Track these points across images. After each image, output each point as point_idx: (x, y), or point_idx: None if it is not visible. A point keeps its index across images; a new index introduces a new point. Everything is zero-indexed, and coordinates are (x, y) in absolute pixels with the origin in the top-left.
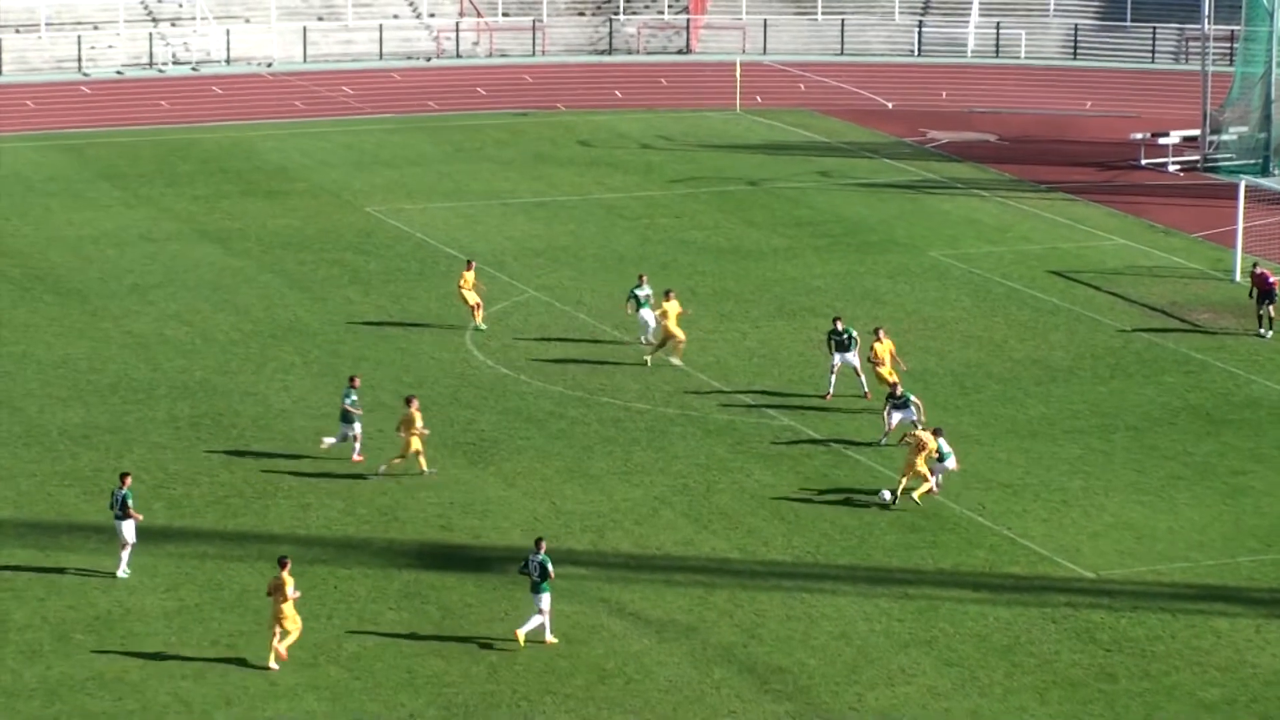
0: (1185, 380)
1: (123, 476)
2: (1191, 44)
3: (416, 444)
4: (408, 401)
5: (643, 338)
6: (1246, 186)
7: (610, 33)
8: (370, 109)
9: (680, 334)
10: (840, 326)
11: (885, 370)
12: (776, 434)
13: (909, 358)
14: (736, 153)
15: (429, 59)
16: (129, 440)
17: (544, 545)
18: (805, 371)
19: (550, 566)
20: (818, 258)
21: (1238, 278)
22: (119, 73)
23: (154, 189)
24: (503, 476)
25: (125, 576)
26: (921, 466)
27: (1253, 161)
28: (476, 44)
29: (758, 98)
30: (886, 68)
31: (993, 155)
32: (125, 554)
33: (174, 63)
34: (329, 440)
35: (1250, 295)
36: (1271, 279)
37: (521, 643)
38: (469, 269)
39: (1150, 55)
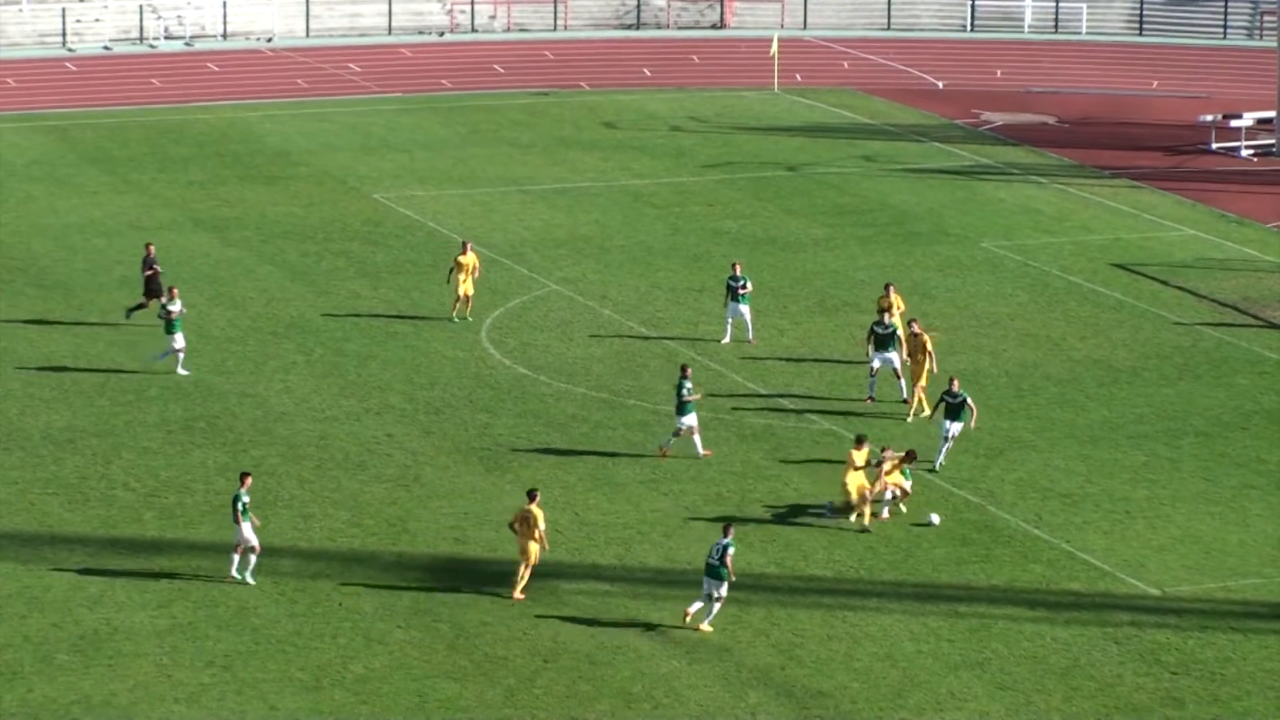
0: (1258, 382)
1: (242, 476)
2: (1267, 19)
3: (534, 551)
4: (530, 496)
5: (725, 338)
6: None
7: (638, 6)
8: (378, 88)
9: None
10: (887, 320)
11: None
12: (817, 439)
13: (960, 357)
14: (774, 135)
15: (442, 34)
16: (117, 445)
17: (731, 530)
18: (848, 372)
19: (731, 553)
20: (861, 249)
21: None
22: (107, 48)
23: (145, 174)
24: (521, 485)
25: (244, 580)
26: (897, 479)
27: None
28: (493, 18)
29: (797, 76)
30: (936, 43)
31: (1051, 139)
32: (238, 556)
33: (166, 38)
34: (670, 441)
35: None
36: None
37: (689, 621)
38: (464, 253)
39: (1222, 31)
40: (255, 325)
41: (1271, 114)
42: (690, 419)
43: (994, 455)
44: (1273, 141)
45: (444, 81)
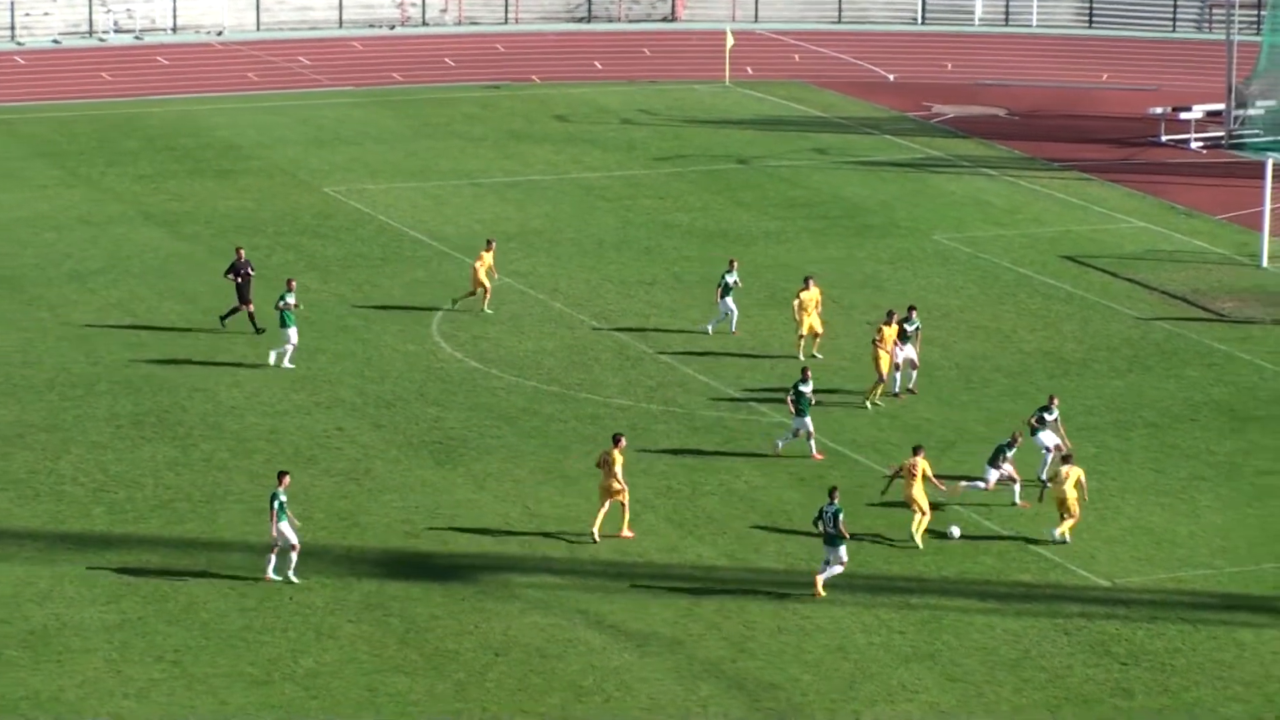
0: (1208, 374)
1: (280, 475)
2: (1215, 11)
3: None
4: (615, 440)
5: (711, 327)
6: (1275, 164)
7: None
8: (329, 81)
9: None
10: (915, 316)
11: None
12: (768, 431)
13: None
14: (725, 129)
15: (393, 27)
16: (67, 439)
17: (837, 494)
18: (800, 364)
19: (843, 517)
20: (813, 241)
21: (1265, 263)
22: (55, 41)
23: (94, 168)
24: (472, 478)
25: (288, 580)
26: (919, 496)
27: None
28: (444, 11)
29: (749, 69)
30: (888, 36)
31: (1002, 131)
32: (275, 558)
33: (116, 31)
34: (787, 440)
35: None
36: None
37: (821, 592)
38: (489, 249)
39: (1171, 23)
40: (205, 319)
41: (1220, 106)
42: (807, 421)
43: (945, 447)
44: (1222, 134)
45: (395, 75)
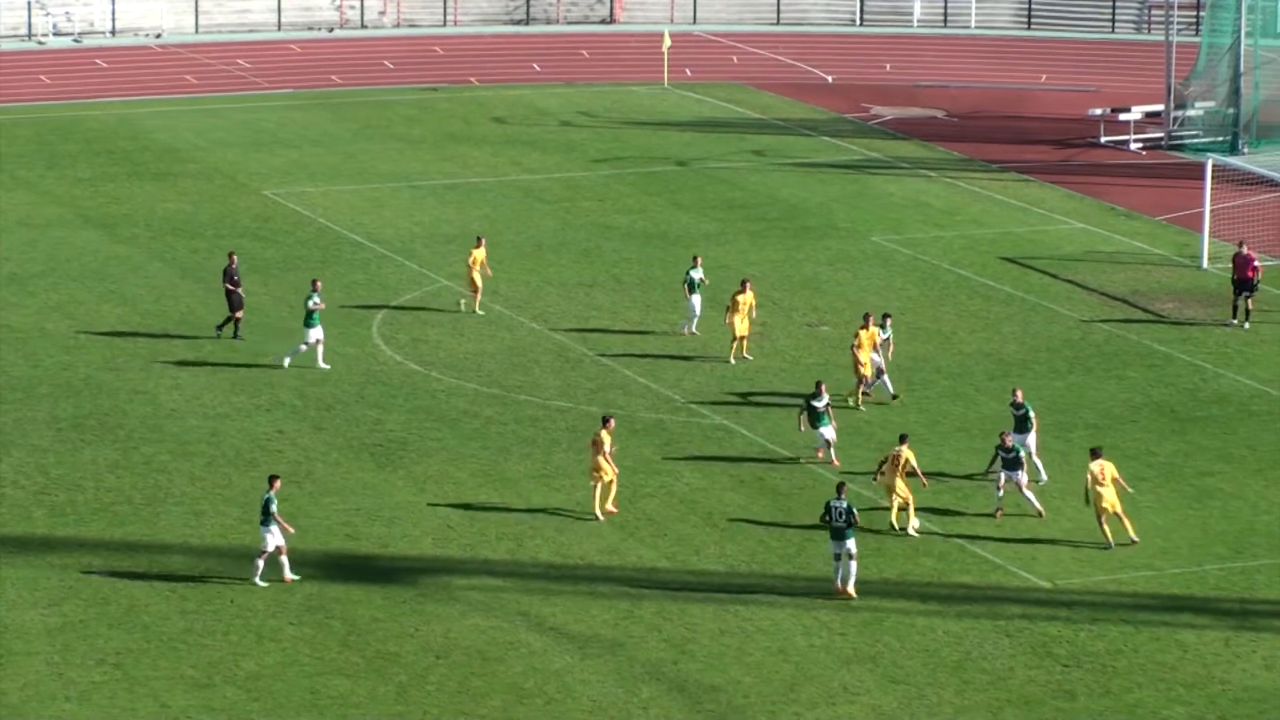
0: (1148, 375)
1: (271, 480)
2: (1154, 12)
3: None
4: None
5: (686, 328)
6: (1214, 165)
7: (527, 1)
8: (268, 84)
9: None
10: (888, 325)
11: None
12: (708, 434)
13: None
14: (664, 130)
15: (331, 29)
16: (6, 443)
17: (845, 489)
18: (737, 367)
19: (856, 512)
20: (752, 243)
21: (1205, 264)
22: None
23: (33, 171)
24: (412, 481)
25: (282, 579)
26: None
27: (1220, 139)
28: (383, 13)
29: (687, 71)
30: (826, 38)
31: (941, 133)
32: (262, 563)
33: (54, 34)
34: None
35: (1233, 281)
36: (1255, 265)
37: (853, 594)
38: (479, 246)
39: (1110, 25)
40: (145, 322)
41: (1159, 107)
42: (824, 432)
43: (885, 449)
44: (1161, 135)
45: (333, 77)
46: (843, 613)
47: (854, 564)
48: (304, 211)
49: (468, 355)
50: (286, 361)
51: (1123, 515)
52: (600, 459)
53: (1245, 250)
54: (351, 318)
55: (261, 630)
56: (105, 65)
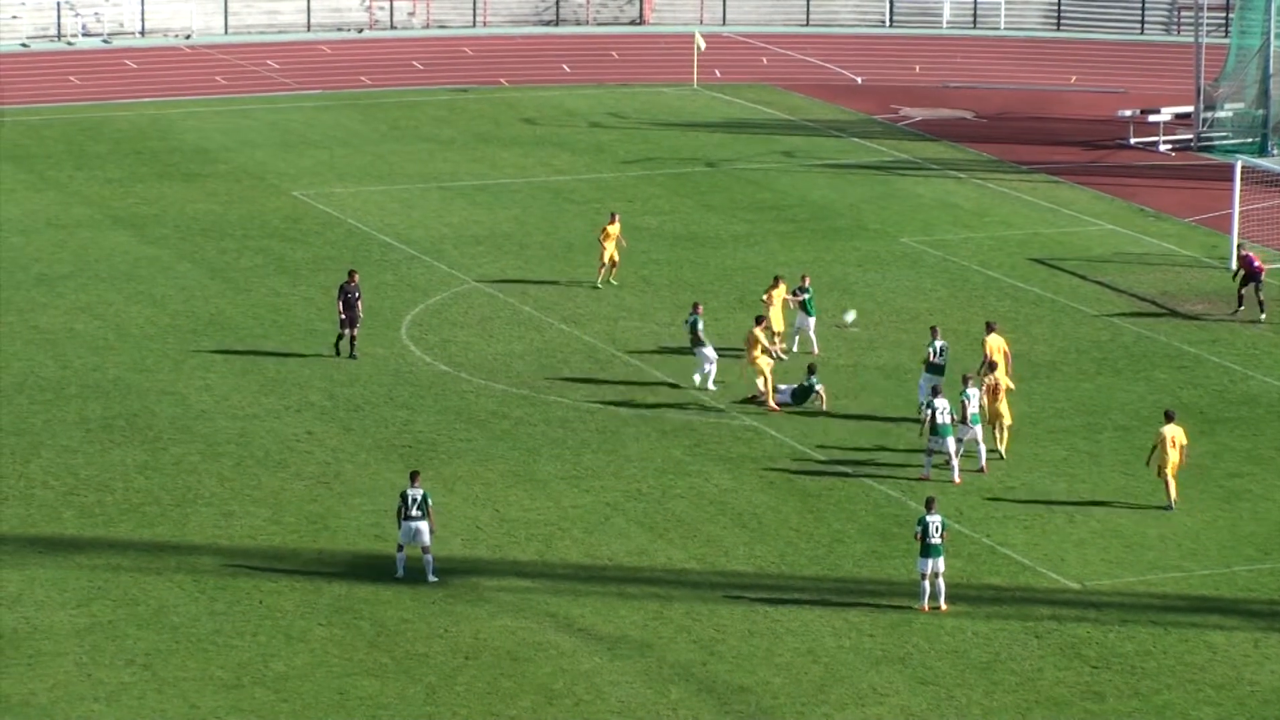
0: (1177, 376)
1: (413, 475)
2: (1184, 14)
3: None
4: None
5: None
6: (1243, 167)
7: (557, 2)
8: (297, 85)
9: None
10: (939, 345)
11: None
12: (738, 435)
13: (880, 352)
14: (694, 131)
15: (361, 30)
16: (36, 443)
17: (936, 504)
18: (778, 366)
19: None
20: (781, 244)
21: (1234, 265)
22: (24, 45)
23: (62, 171)
24: (442, 481)
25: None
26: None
27: (1249, 140)
28: (412, 14)
29: (716, 72)
30: (855, 39)
31: (970, 134)
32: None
33: (84, 35)
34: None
35: (1234, 278)
36: (1257, 261)
37: (945, 607)
38: (613, 222)
39: (1139, 26)
40: (174, 323)
41: (1189, 109)
42: (949, 442)
43: (914, 450)
44: (1190, 136)
45: (363, 78)
46: (872, 614)
47: (942, 581)
48: (333, 212)
49: (497, 356)
50: (710, 384)
51: (1172, 480)
52: (757, 357)
53: (1244, 251)
54: (380, 318)
55: (290, 631)
56: (134, 66)
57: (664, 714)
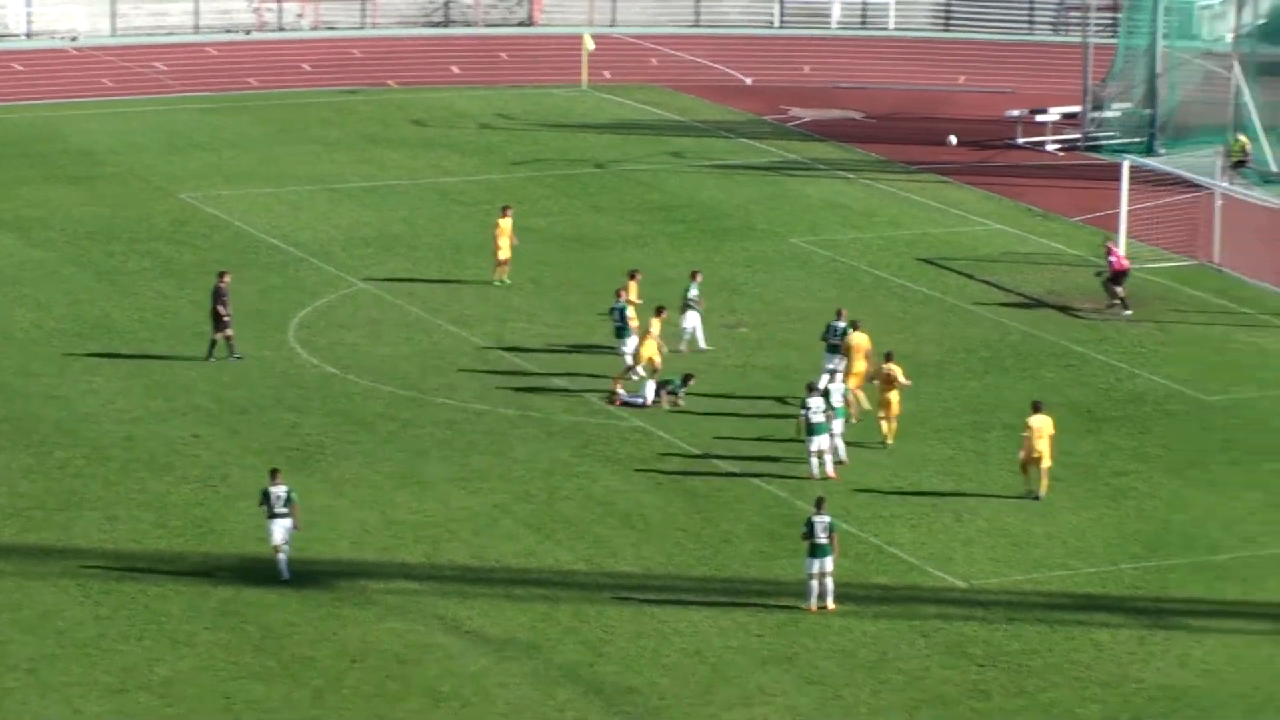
0: (1064, 375)
1: (273, 473)
2: (1071, 14)
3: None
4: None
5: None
6: (1130, 167)
7: (446, 3)
8: (185, 87)
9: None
10: (840, 325)
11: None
12: (625, 436)
13: (769, 352)
14: (583, 133)
15: (248, 32)
16: None
17: (825, 504)
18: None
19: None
20: (670, 245)
21: (1110, 262)
22: None
23: None
24: (329, 484)
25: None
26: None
27: (1137, 140)
28: (300, 16)
29: (606, 73)
30: (745, 40)
31: (859, 134)
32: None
33: None
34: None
35: (1097, 274)
36: (1116, 257)
37: (832, 606)
38: (505, 215)
39: (1028, 26)
40: (60, 326)
41: (1077, 109)
42: (820, 440)
43: (801, 450)
44: (1078, 136)
45: (251, 80)
46: (759, 614)
47: (830, 580)
48: (221, 215)
49: (385, 358)
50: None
51: (1044, 473)
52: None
53: (1112, 246)
54: (268, 321)
55: (176, 635)
56: (20, 68)
57: (551, 715)
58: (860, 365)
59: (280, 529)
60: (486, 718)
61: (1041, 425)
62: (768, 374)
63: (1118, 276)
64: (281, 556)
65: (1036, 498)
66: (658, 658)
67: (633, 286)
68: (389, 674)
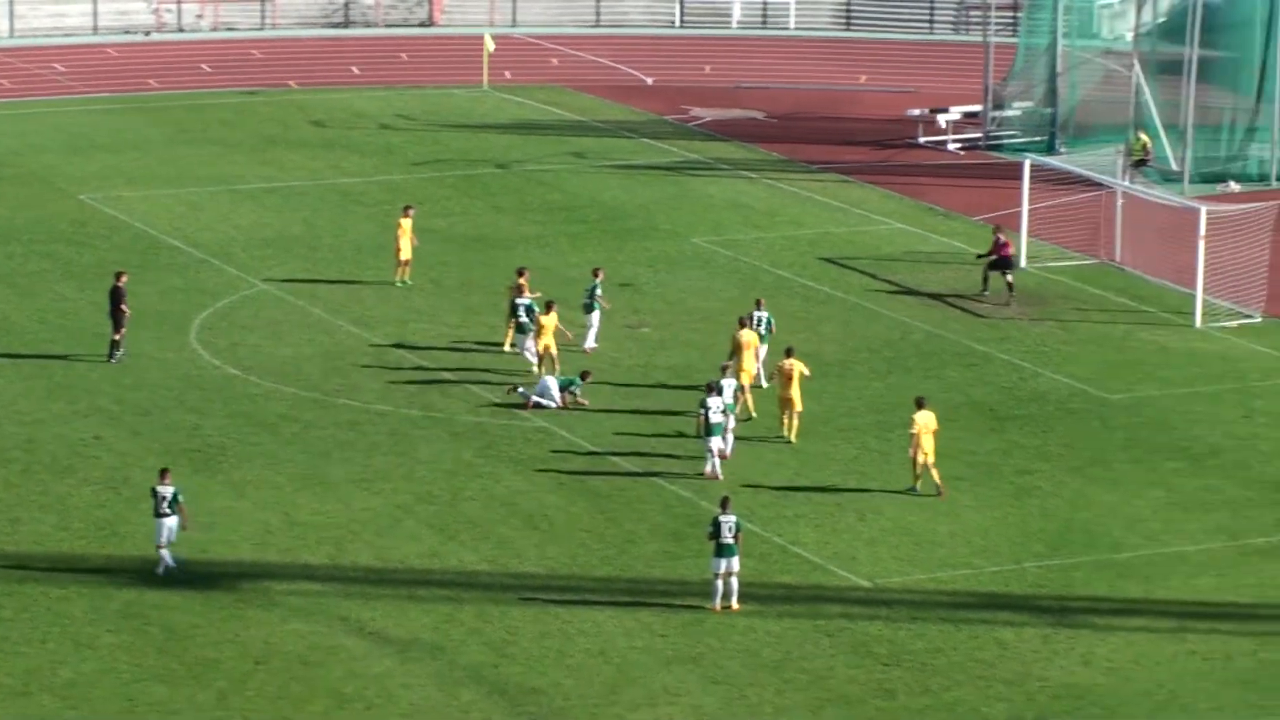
0: (967, 374)
1: (162, 472)
2: (972, 13)
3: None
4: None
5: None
6: (1032, 166)
7: (346, 4)
8: (84, 88)
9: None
10: (760, 315)
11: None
12: (528, 436)
13: (672, 352)
14: (484, 133)
15: (148, 33)
16: None
17: (730, 504)
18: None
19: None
20: (572, 246)
21: (1023, 263)
22: None
23: None
24: (231, 486)
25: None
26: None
27: (1038, 139)
28: (200, 17)
29: (506, 73)
30: (646, 40)
31: (760, 134)
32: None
33: None
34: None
35: (979, 258)
36: (1010, 249)
37: (736, 606)
38: (407, 214)
39: (929, 25)
40: None
41: (977, 108)
42: (716, 441)
43: (702, 449)
44: (979, 135)
45: (151, 81)
46: (664, 614)
47: (735, 580)
48: (121, 216)
49: (286, 359)
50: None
51: (933, 467)
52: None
53: (1004, 238)
54: (169, 322)
55: (79, 637)
56: None
57: (455, 716)
58: (749, 362)
59: (164, 529)
60: (390, 719)
61: (926, 421)
62: (670, 374)
63: (1002, 263)
64: (165, 554)
65: (938, 493)
66: (562, 658)
67: (524, 284)
68: (293, 676)
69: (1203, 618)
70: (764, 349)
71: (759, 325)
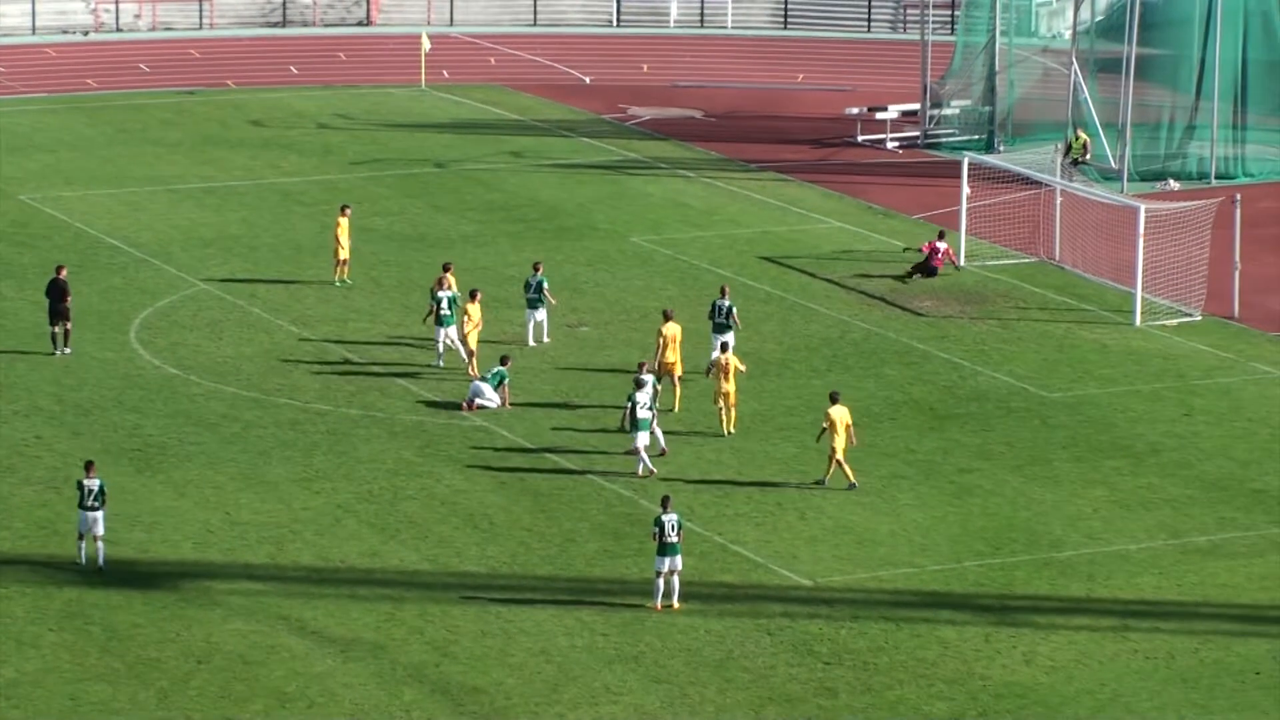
0: (907, 372)
1: (88, 465)
2: (909, 12)
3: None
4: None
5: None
6: (970, 164)
7: (284, 4)
8: (23, 88)
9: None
10: (723, 304)
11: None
12: (468, 435)
13: (612, 351)
14: (422, 132)
15: (86, 33)
16: None
17: (671, 502)
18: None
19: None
20: (511, 245)
21: (962, 262)
22: None
23: None
24: (172, 485)
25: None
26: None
27: (976, 137)
28: (138, 17)
29: (444, 72)
30: (583, 39)
31: (698, 133)
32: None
33: None
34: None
35: (905, 250)
36: (940, 259)
37: (677, 605)
38: (344, 214)
39: (866, 24)
40: None
41: (916, 106)
42: (642, 437)
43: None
44: (917, 134)
45: (89, 81)
46: (605, 613)
47: (677, 579)
48: (61, 216)
49: (226, 359)
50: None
51: (845, 462)
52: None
53: (942, 245)
54: (109, 322)
55: (21, 637)
56: None
57: (397, 716)
58: (671, 356)
59: (89, 520)
60: (332, 719)
61: (840, 415)
62: (610, 373)
63: (925, 269)
64: (82, 545)
65: (853, 486)
66: (504, 657)
67: (450, 279)
68: (235, 675)
69: (1145, 616)
70: (730, 336)
71: (721, 314)
